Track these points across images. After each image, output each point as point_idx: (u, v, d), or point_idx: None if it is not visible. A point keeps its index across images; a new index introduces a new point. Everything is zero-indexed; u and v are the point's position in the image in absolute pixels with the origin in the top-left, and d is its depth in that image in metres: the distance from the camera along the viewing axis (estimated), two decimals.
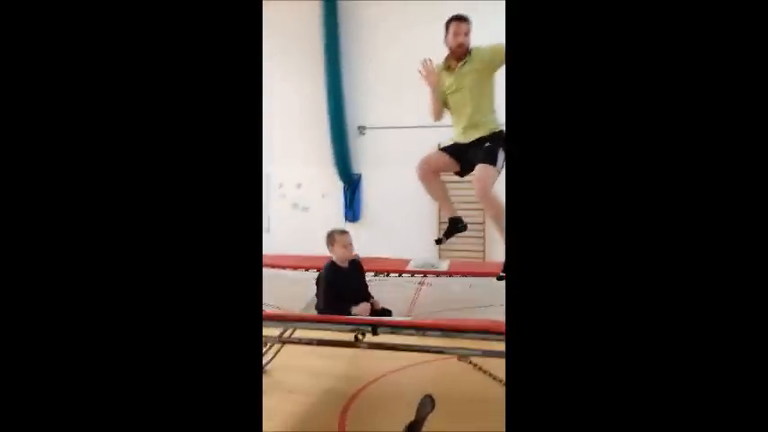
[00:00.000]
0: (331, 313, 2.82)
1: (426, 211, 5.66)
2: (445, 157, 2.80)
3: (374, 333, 2.07)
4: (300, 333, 2.32)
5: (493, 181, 2.59)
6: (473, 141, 2.73)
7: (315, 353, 3.35)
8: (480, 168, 2.59)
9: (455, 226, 2.85)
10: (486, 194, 2.56)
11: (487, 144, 2.66)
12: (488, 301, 2.89)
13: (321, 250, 3.81)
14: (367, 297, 3.13)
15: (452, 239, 2.97)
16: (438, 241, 2.95)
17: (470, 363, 2.08)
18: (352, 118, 6.18)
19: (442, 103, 2.84)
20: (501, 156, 2.62)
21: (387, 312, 3.04)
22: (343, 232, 3.09)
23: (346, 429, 2.57)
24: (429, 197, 2.96)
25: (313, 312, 2.99)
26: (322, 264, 3.69)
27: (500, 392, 2.32)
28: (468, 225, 2.96)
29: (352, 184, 6.32)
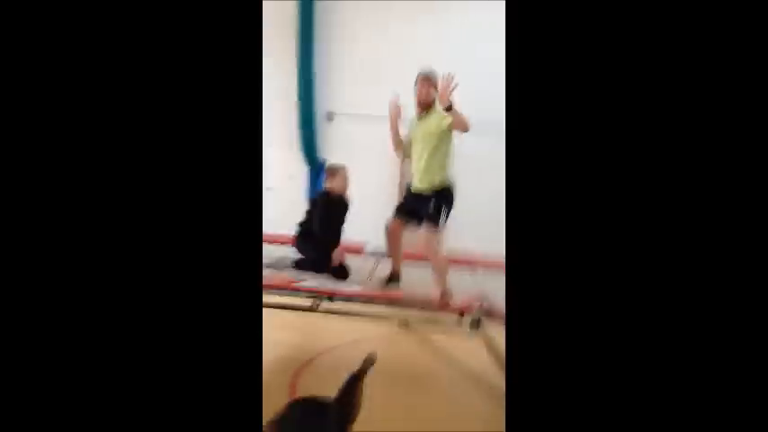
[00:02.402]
0: (323, 236, 3.10)
1: (387, 199, 5.84)
2: (401, 223, 3.26)
3: (330, 300, 2.28)
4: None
5: (438, 241, 3.04)
6: (422, 194, 3.12)
7: (269, 324, 3.52)
8: (425, 233, 3.04)
9: (393, 279, 3.27)
10: (432, 255, 3.04)
11: (432, 202, 3.07)
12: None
13: (285, 230, 3.95)
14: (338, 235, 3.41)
15: (410, 229, 3.38)
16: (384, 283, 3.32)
17: (407, 327, 2.31)
18: (322, 102, 6.30)
19: (405, 142, 3.24)
20: (443, 214, 3.06)
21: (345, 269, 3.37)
22: (343, 167, 3.36)
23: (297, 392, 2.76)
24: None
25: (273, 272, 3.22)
26: (285, 242, 3.86)
27: (445, 367, 2.57)
28: None
29: (317, 170, 6.46)
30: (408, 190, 3.26)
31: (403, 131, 3.20)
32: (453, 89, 2.66)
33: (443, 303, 3.04)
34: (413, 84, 3.18)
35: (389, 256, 3.35)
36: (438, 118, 3.01)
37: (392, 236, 3.31)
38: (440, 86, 2.71)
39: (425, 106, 3.08)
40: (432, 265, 3.06)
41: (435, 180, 3.08)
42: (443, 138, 3.03)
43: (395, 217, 3.34)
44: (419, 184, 3.14)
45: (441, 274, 3.03)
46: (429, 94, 3.04)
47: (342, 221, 3.48)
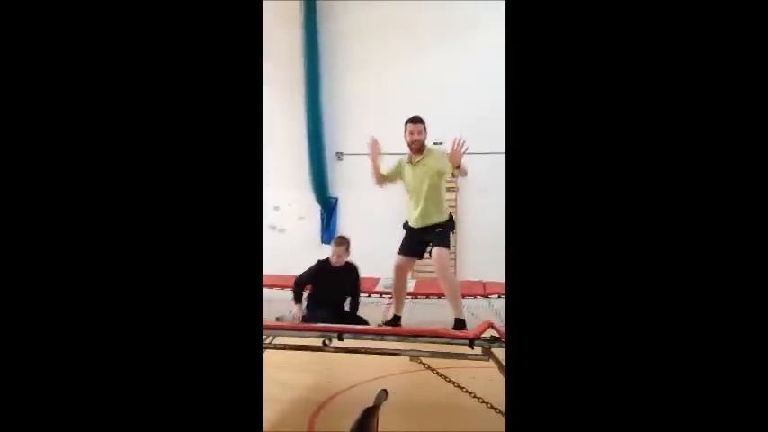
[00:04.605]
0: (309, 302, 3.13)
1: (398, 234, 5.92)
2: (407, 260, 3.43)
3: (339, 339, 2.33)
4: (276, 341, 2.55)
5: (448, 261, 3.22)
6: (425, 227, 3.30)
7: (287, 366, 3.58)
8: (437, 251, 3.19)
9: (395, 321, 3.38)
10: (443, 273, 3.21)
11: (439, 230, 3.24)
12: (445, 313, 3.20)
13: (298, 270, 4.03)
14: (352, 304, 3.42)
15: (425, 260, 3.52)
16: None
17: (420, 362, 2.34)
18: (331, 144, 6.47)
19: (386, 179, 3.45)
20: (450, 238, 3.27)
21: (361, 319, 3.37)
22: (341, 242, 3.41)
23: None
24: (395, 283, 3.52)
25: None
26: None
27: (459, 399, 2.59)
28: None
29: (328, 208, 6.58)
30: (410, 228, 3.40)
31: (383, 166, 3.43)
32: (465, 151, 2.95)
33: (458, 327, 3.10)
34: (403, 128, 3.37)
35: (395, 294, 3.47)
36: (435, 160, 3.24)
37: (401, 273, 3.43)
38: (453, 148, 2.97)
39: (417, 149, 3.28)
40: (443, 285, 3.18)
41: (442, 214, 3.31)
42: (441, 177, 3.29)
43: (402, 255, 3.46)
44: (427, 220, 3.30)
45: (453, 295, 3.15)
46: (420, 136, 3.25)
47: (337, 290, 3.49)
